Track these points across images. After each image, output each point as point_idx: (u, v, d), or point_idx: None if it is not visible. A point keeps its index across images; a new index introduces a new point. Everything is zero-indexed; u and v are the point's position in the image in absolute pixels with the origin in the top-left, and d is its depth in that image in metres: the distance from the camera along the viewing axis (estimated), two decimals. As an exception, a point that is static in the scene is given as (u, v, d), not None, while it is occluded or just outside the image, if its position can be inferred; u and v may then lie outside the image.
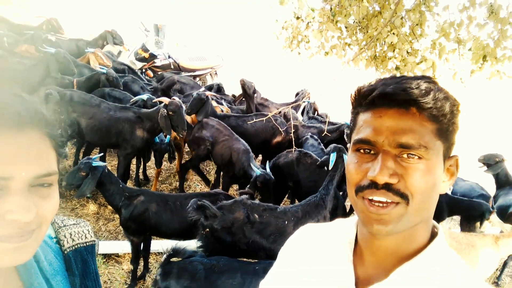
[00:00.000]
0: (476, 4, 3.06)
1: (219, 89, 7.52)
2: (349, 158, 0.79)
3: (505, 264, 4.66)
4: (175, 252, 2.60)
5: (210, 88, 7.45)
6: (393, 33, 2.93)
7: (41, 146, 0.69)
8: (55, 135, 0.73)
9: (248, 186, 3.82)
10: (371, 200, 0.72)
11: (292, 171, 4.38)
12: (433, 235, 0.81)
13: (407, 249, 0.77)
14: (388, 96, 0.72)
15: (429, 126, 0.72)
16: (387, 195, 0.70)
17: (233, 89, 8.37)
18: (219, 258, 2.69)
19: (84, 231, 0.99)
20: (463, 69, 3.12)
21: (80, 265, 0.93)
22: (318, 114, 6.64)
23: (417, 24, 3.01)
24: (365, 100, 0.76)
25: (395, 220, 0.71)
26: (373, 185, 0.71)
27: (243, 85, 5.81)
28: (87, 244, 0.98)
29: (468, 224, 4.61)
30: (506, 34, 2.93)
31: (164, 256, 2.58)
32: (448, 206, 4.45)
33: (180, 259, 2.63)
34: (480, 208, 4.31)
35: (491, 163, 5.18)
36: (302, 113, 6.87)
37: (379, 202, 0.71)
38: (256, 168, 4.07)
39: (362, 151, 0.76)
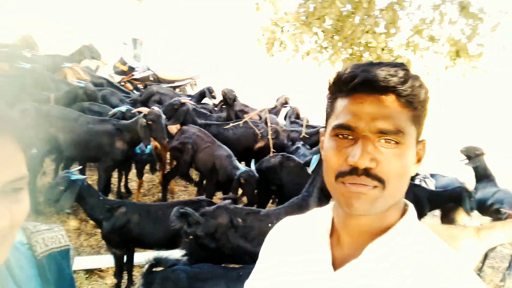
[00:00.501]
0: (447, 1, 3.13)
1: (203, 96, 7.48)
2: (327, 144, 0.80)
3: (486, 256, 4.72)
4: (157, 261, 2.54)
5: (200, 94, 7.44)
6: (367, 32, 2.98)
7: (11, 150, 0.67)
8: (23, 136, 0.71)
9: (232, 184, 3.80)
10: (351, 184, 0.74)
11: (276, 175, 4.37)
12: (404, 212, 0.84)
13: (380, 226, 0.80)
14: (369, 83, 0.74)
15: (406, 113, 0.74)
16: (366, 180, 0.73)
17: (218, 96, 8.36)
18: (203, 265, 2.64)
19: (58, 236, 0.97)
20: (438, 66, 3.18)
21: (54, 270, 0.91)
22: (299, 118, 6.69)
23: (390, 23, 3.07)
24: (346, 86, 0.77)
25: (372, 201, 0.74)
26: (354, 171, 0.73)
27: (224, 95, 5.84)
28: (62, 248, 0.96)
29: (448, 219, 4.68)
30: (476, 29, 3.01)
31: (146, 266, 2.51)
32: (429, 201, 4.51)
33: (162, 268, 2.57)
34: (458, 191, 4.32)
35: (471, 155, 5.28)
36: (285, 118, 6.91)
37: (359, 184, 0.74)
38: (241, 166, 4.08)
39: (341, 136, 0.77)
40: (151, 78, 8.98)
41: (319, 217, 0.92)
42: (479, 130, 10.55)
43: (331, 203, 0.91)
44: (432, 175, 5.66)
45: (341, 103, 0.79)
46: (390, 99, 0.74)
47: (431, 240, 0.80)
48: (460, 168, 5.25)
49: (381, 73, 0.73)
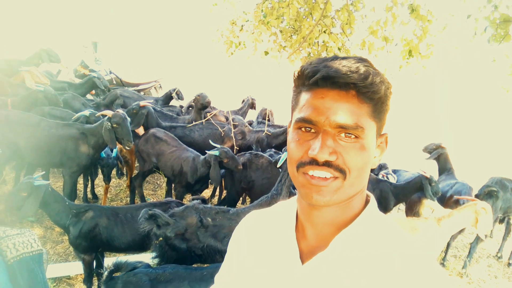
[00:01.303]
0: (398, 4, 3.30)
1: (170, 98, 7.44)
2: (291, 136, 0.83)
3: (448, 245, 4.99)
4: (117, 266, 2.48)
5: (166, 97, 7.38)
6: (324, 32, 3.09)
7: None
8: None
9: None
10: (312, 175, 0.77)
11: (245, 173, 4.43)
12: (367, 203, 0.87)
13: (344, 218, 0.83)
14: (330, 79, 0.75)
15: (366, 108, 0.76)
16: (328, 170, 0.75)
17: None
18: (165, 266, 2.61)
19: (30, 240, 0.96)
20: (392, 65, 3.35)
21: (26, 275, 0.90)
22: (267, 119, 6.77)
23: (346, 24, 3.21)
24: (308, 80, 0.78)
25: (333, 192, 0.77)
26: (314, 161, 0.75)
27: (197, 100, 5.76)
28: (34, 253, 0.94)
29: (412, 212, 4.89)
30: (427, 30, 3.20)
31: (105, 272, 2.44)
32: (393, 194, 4.70)
33: (123, 272, 2.51)
34: (418, 179, 4.50)
35: (431, 150, 5.59)
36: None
37: (319, 177, 0.76)
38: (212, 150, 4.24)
39: (303, 129, 0.79)
40: (114, 82, 8.81)
41: (284, 210, 0.95)
42: (440, 126, 11.01)
43: (295, 196, 0.93)
44: (394, 171, 5.92)
45: (304, 97, 0.80)
46: (350, 95, 0.75)
47: (393, 230, 0.82)
48: (425, 165, 5.50)
49: (342, 69, 0.74)
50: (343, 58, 0.79)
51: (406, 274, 0.73)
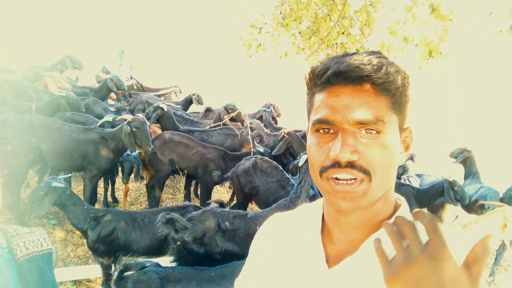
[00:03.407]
0: (418, 3, 3.23)
1: (190, 102, 7.48)
2: (310, 140, 0.79)
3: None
4: (126, 266, 2.52)
5: (186, 101, 7.43)
6: (343, 33, 3.05)
7: None
8: None
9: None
10: (336, 179, 0.73)
11: (250, 178, 4.41)
12: (397, 206, 0.83)
13: (373, 221, 0.79)
14: (342, 74, 0.72)
15: (384, 101, 0.73)
16: (351, 172, 0.71)
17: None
18: (175, 266, 2.64)
19: (40, 239, 0.95)
20: (412, 66, 3.27)
21: (35, 274, 0.89)
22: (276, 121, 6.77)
23: (365, 24, 3.15)
24: (320, 79, 0.76)
25: (360, 197, 0.73)
26: (336, 164, 0.72)
27: (227, 110, 5.81)
28: (43, 252, 0.93)
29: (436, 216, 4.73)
30: (447, 29, 3.11)
31: (115, 272, 2.49)
32: (415, 199, 4.57)
33: (133, 272, 2.55)
34: (441, 183, 4.36)
35: (457, 155, 5.44)
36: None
37: (344, 179, 0.72)
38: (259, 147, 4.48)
39: (321, 131, 0.76)
40: (135, 87, 8.95)
41: (309, 214, 0.91)
42: (468, 129, 10.72)
43: (321, 199, 0.90)
44: (418, 175, 5.77)
45: (318, 97, 0.77)
46: (365, 88, 0.72)
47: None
48: (452, 170, 5.33)
49: (354, 62, 0.72)
50: (354, 53, 0.76)
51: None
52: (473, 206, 4.80)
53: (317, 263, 0.81)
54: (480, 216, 3.64)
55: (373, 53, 0.75)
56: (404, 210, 0.82)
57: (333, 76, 0.73)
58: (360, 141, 0.72)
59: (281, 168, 4.42)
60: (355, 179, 0.72)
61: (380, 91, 0.72)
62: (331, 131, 0.75)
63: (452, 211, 4.48)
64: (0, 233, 0.89)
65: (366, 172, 0.71)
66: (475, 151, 5.39)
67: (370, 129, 0.72)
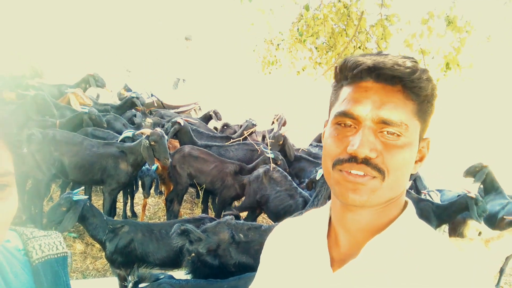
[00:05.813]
0: (434, 16, 3.23)
1: (209, 118, 7.62)
2: (328, 132, 0.78)
3: (502, 271, 4.59)
4: (141, 278, 2.52)
5: (205, 117, 7.57)
6: (359, 47, 3.07)
7: None
8: (9, 134, 0.72)
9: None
10: (348, 172, 0.72)
11: (261, 185, 4.42)
12: (403, 209, 0.81)
13: (379, 223, 0.78)
14: (377, 70, 0.71)
15: (411, 105, 0.72)
16: (365, 169, 0.70)
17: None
18: (188, 279, 2.64)
19: (56, 242, 0.96)
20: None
21: (50, 277, 0.89)
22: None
23: (381, 38, 3.17)
24: (352, 72, 0.75)
25: (370, 192, 0.72)
26: (353, 159, 0.71)
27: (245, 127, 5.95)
28: (58, 255, 0.94)
29: (456, 234, 4.59)
30: (464, 41, 3.09)
31: (130, 284, 2.49)
32: (435, 215, 4.45)
33: (147, 284, 2.54)
34: (463, 200, 4.19)
35: (474, 173, 5.25)
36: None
37: (356, 174, 0.71)
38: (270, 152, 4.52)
39: (342, 124, 0.75)
40: (155, 104, 9.11)
41: (317, 217, 0.90)
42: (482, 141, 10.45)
43: (329, 202, 0.89)
44: (439, 191, 5.62)
45: (346, 90, 0.76)
46: (396, 89, 0.71)
47: (431, 236, 0.76)
48: (465, 184, 5.18)
49: (389, 61, 0.71)
50: (388, 54, 0.75)
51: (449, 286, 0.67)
52: (500, 223, 4.62)
53: (322, 266, 0.80)
54: (504, 231, 3.53)
55: (408, 57, 0.74)
56: (409, 211, 0.80)
57: (366, 70, 0.72)
58: (380, 141, 0.71)
59: (290, 178, 4.46)
60: (368, 175, 0.71)
61: (409, 95, 0.72)
62: (353, 126, 0.74)
63: (474, 227, 4.34)
64: (17, 235, 0.90)
65: (380, 171, 0.70)
66: (491, 165, 5.23)
67: (393, 131, 0.71)
